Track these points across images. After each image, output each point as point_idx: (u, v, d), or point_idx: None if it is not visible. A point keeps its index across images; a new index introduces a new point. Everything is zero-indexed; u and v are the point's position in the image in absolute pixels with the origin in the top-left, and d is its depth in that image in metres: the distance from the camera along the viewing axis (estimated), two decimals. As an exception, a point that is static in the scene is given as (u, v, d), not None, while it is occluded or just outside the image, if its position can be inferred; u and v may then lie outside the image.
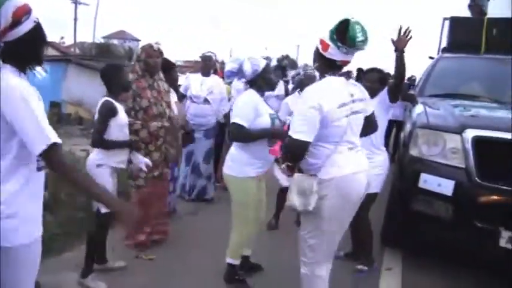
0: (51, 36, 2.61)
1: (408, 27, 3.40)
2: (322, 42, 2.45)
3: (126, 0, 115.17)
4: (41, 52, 1.87)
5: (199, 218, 4.94)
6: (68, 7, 33.13)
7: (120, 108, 3.31)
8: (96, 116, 3.29)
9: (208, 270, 3.58)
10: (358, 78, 7.20)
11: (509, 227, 3.20)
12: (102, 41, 32.36)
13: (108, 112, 3.22)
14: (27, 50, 1.79)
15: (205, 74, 5.41)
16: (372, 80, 3.68)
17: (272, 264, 3.68)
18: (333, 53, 2.41)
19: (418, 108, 4.17)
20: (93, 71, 11.82)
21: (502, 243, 3.21)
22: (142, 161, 3.46)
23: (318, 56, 2.51)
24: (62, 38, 39.51)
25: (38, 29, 1.80)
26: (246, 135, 3.10)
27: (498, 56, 5.13)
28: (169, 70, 4.57)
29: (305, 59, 47.30)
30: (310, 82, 4.50)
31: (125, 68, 3.50)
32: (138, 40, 41.17)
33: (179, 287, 3.41)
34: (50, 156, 1.71)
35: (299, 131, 2.35)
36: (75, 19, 30.69)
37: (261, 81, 3.27)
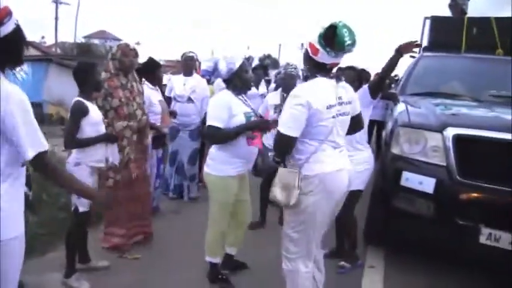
0: (32, 36, 2.64)
1: (417, 41, 3.54)
2: (311, 46, 2.51)
3: (107, 0, 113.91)
4: (21, 53, 1.90)
5: (182, 216, 4.96)
6: (49, 6, 32.53)
7: (91, 107, 3.26)
8: (68, 116, 3.27)
9: (193, 268, 3.59)
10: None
11: (489, 224, 3.25)
12: (83, 40, 31.95)
13: (78, 112, 3.18)
14: (8, 51, 1.81)
15: (188, 74, 5.40)
16: (350, 78, 3.69)
17: (257, 262, 3.69)
18: (322, 57, 2.48)
19: (400, 107, 4.20)
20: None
21: (482, 239, 3.24)
22: (116, 156, 3.45)
23: (308, 59, 2.57)
24: (43, 37, 38.99)
25: (18, 31, 1.83)
26: (222, 136, 3.10)
27: (478, 55, 5.20)
28: (154, 70, 4.56)
29: (287, 58, 47.31)
30: (292, 81, 4.55)
31: (98, 67, 3.42)
32: (119, 40, 40.72)
33: (163, 285, 3.41)
34: (40, 160, 1.82)
35: (287, 127, 2.44)
36: (56, 18, 30.33)
37: (237, 81, 3.25)
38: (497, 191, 3.25)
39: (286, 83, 4.56)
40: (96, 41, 33.88)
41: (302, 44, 53.32)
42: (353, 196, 3.52)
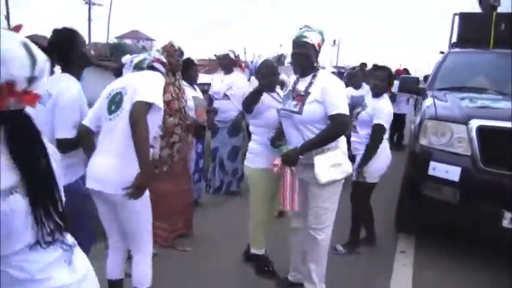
0: None
1: None
2: (319, 45, 2.95)
3: (139, 0, 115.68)
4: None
5: (223, 209, 5.09)
6: (82, 8, 33.19)
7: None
8: None
9: (232, 260, 3.74)
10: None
11: (511, 208, 3.47)
12: (116, 41, 32.68)
13: None
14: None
15: (226, 72, 5.50)
16: (382, 78, 3.95)
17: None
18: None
19: (428, 101, 4.44)
20: (109, 71, 12.11)
21: (505, 223, 3.48)
22: (157, 149, 3.58)
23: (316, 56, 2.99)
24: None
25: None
26: (246, 97, 3.35)
27: (504, 51, 5.34)
28: (188, 68, 4.69)
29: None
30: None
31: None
32: (151, 39, 41.57)
33: (204, 276, 3.48)
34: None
35: (346, 109, 2.84)
36: (89, 20, 31.12)
37: (258, 76, 3.37)
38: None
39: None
40: (128, 41, 34.59)
41: (334, 41, 52.34)
42: (367, 188, 3.86)
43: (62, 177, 2.41)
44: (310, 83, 2.91)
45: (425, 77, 8.70)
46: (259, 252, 3.55)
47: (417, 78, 6.00)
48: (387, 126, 3.82)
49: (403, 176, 4.39)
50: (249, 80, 5.74)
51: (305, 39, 2.88)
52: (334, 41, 51.63)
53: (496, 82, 4.89)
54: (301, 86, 2.96)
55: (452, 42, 6.59)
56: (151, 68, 2.92)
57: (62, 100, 2.53)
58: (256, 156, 3.39)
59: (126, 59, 2.95)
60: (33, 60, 1.21)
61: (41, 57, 1.24)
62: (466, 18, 6.39)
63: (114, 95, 2.58)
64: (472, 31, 6.13)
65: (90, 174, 2.51)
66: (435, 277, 3.64)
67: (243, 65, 5.74)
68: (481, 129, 3.63)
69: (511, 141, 3.53)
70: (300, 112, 2.86)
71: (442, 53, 7.03)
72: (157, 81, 2.63)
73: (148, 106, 2.38)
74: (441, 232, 4.30)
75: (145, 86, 2.48)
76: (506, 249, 3.76)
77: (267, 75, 3.33)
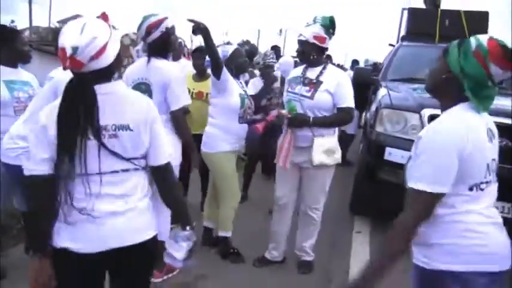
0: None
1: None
2: (318, 38, 3.16)
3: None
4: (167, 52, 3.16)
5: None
6: (20, -12, 31.43)
7: None
8: None
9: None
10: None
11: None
12: (58, 25, 31.35)
13: None
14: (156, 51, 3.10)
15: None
16: None
17: (242, 235, 3.86)
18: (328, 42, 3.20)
19: (382, 91, 4.72)
20: (53, 57, 11.68)
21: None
22: None
23: (316, 49, 3.20)
24: (13, 21, 37.78)
25: (165, 34, 3.04)
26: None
27: (449, 46, 5.74)
28: None
29: (266, 44, 47.38)
30: (271, 71, 5.08)
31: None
32: (115, 28, 39.92)
33: None
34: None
35: (353, 103, 3.24)
36: (30, 1, 29.61)
37: (232, 66, 3.51)
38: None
39: (265, 73, 5.16)
40: (71, 26, 33.16)
41: (281, 30, 52.78)
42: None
43: None
44: (321, 73, 3.21)
45: (374, 64, 9.13)
46: (227, 234, 3.64)
47: (370, 70, 6.31)
48: None
49: (359, 162, 4.65)
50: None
51: (299, 38, 3.21)
52: (281, 30, 52.08)
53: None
54: (311, 75, 3.24)
55: (401, 35, 6.96)
56: None
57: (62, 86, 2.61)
58: (217, 141, 3.51)
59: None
60: (78, 35, 1.57)
61: (87, 35, 1.57)
62: (414, 14, 6.77)
63: (137, 84, 3.01)
64: (419, 26, 6.50)
65: None
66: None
67: (187, 54, 5.78)
68: (432, 118, 3.90)
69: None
70: (311, 98, 3.17)
71: (392, 45, 7.42)
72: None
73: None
74: (396, 214, 4.59)
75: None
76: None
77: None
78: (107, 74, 1.69)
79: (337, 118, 3.24)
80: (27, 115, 2.81)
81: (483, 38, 1.60)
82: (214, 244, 3.77)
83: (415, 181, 1.59)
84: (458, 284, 1.57)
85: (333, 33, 3.26)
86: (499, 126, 3.78)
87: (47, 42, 18.23)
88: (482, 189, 1.63)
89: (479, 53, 1.57)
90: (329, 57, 11.86)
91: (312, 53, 3.23)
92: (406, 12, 6.95)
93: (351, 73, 6.74)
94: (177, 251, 1.81)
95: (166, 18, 3.01)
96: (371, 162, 4.37)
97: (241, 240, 3.80)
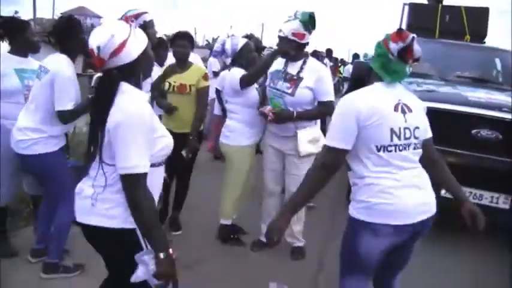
0: (3, 10, 2.96)
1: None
2: (297, 35, 3.23)
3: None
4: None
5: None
6: (24, -20, 31.37)
7: None
8: None
9: (200, 230, 3.97)
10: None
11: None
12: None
13: None
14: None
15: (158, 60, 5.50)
16: None
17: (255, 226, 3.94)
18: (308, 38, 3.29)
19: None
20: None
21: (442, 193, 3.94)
22: None
23: (295, 45, 3.27)
24: (16, 12, 37.72)
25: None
26: (259, 68, 3.50)
27: (448, 41, 5.85)
28: (159, 48, 4.80)
29: (270, 38, 47.31)
30: None
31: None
32: (99, 17, 40.02)
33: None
34: None
35: (334, 96, 3.37)
36: (34, -8, 29.60)
37: (241, 60, 3.59)
38: (456, 153, 3.93)
39: None
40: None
41: (263, 24, 52.26)
42: None
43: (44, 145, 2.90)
44: (301, 68, 3.29)
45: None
46: (227, 222, 3.77)
47: (369, 63, 6.39)
48: None
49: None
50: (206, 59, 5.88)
51: (279, 34, 3.30)
52: (263, 24, 52.28)
53: (440, 69, 5.35)
54: (292, 70, 3.33)
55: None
56: None
57: (59, 78, 2.81)
58: (236, 134, 3.59)
59: None
60: (100, 35, 1.74)
61: (106, 33, 1.72)
62: (415, 8, 6.85)
63: None
64: (420, 21, 6.58)
65: None
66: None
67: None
68: (428, 111, 4.02)
69: (456, 122, 3.99)
70: (292, 94, 3.27)
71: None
72: None
73: None
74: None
75: None
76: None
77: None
78: (132, 71, 1.81)
79: (319, 112, 3.37)
80: (32, 108, 2.92)
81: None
82: (235, 240, 3.83)
83: (327, 139, 2.06)
84: (371, 231, 2.01)
85: (313, 28, 3.30)
86: (491, 119, 4.05)
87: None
88: (389, 151, 2.00)
89: (384, 39, 2.05)
90: (330, 51, 11.99)
91: (291, 49, 3.28)
92: (407, 7, 7.02)
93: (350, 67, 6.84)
94: (141, 272, 1.75)
95: (146, 12, 3.07)
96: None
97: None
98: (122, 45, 1.73)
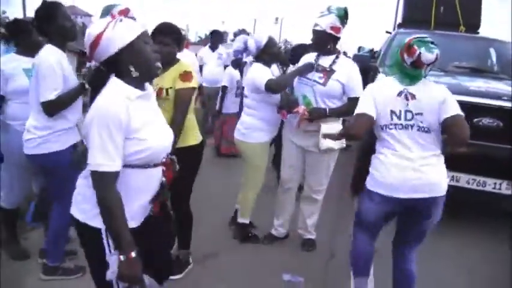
0: None
1: None
2: (334, 29, 3.29)
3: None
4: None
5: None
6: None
7: None
8: None
9: (213, 226, 3.98)
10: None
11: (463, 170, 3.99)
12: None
13: None
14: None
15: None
16: None
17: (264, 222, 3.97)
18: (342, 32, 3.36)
19: (380, 77, 4.91)
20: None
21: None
22: None
23: (332, 39, 3.35)
24: (4, 12, 37.16)
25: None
26: (284, 81, 3.51)
27: (444, 32, 5.91)
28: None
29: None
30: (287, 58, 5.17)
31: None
32: (90, 16, 39.89)
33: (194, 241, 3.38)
34: None
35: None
36: (25, -8, 29.35)
37: (266, 56, 3.57)
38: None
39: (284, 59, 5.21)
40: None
41: (277, 19, 52.28)
42: None
43: (54, 143, 2.83)
44: (334, 62, 3.35)
45: (371, 51, 9.30)
46: (246, 221, 3.80)
47: (370, 56, 6.47)
48: None
49: (359, 146, 4.84)
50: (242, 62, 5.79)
51: (315, 28, 3.32)
52: (277, 18, 52.11)
53: (438, 60, 5.41)
54: (324, 62, 3.38)
55: (398, 23, 7.12)
56: None
57: (41, 69, 2.73)
58: (255, 131, 3.59)
59: None
60: (88, 37, 1.73)
61: (91, 35, 1.71)
62: (409, 1, 6.91)
63: None
64: (415, 13, 6.66)
65: None
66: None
67: (188, 44, 5.82)
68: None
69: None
70: (324, 84, 3.32)
71: (388, 32, 7.58)
72: None
73: None
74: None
75: None
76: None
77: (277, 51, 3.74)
78: (116, 65, 1.75)
79: (349, 108, 3.25)
80: (33, 106, 2.87)
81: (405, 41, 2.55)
82: (253, 237, 3.84)
83: (356, 111, 2.63)
84: (368, 196, 2.59)
85: (346, 23, 3.37)
86: (491, 108, 4.12)
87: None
88: (391, 129, 2.48)
89: (400, 51, 2.56)
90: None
91: (329, 43, 3.35)
92: (402, 1, 7.08)
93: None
94: (109, 272, 1.72)
95: (129, 10, 2.84)
96: (371, 141, 4.54)
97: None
98: (98, 38, 1.69)
